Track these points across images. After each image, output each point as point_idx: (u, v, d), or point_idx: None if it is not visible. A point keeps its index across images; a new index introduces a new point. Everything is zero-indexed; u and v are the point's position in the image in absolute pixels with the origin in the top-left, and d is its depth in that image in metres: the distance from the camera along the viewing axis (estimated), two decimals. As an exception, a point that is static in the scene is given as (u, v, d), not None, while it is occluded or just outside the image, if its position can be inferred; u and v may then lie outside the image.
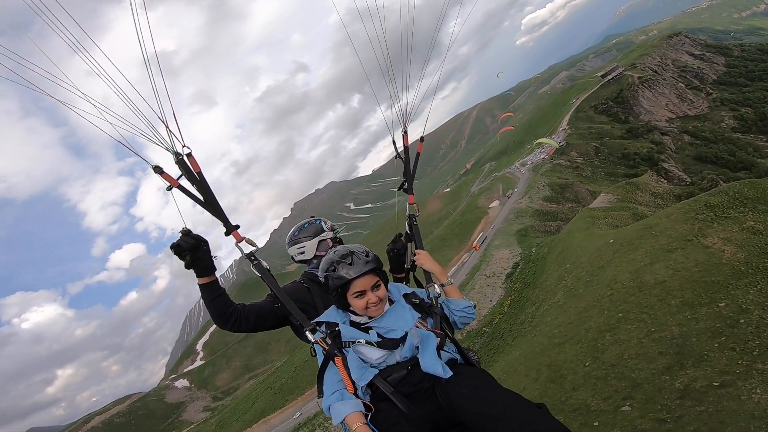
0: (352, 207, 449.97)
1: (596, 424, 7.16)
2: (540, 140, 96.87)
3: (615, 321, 11.15)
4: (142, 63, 1.95)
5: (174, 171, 2.19)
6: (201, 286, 2.33)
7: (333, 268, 2.18)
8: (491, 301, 52.55)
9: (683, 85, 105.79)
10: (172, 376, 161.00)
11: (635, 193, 60.45)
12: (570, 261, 27.29)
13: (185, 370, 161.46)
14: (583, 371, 9.26)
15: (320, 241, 2.90)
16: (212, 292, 2.36)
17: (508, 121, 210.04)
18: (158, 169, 2.12)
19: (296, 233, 2.97)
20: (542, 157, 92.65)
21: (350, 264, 2.16)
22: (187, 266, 2.22)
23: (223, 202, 2.45)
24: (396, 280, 3.01)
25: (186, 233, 2.21)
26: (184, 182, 2.25)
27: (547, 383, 9.97)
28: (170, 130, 2.09)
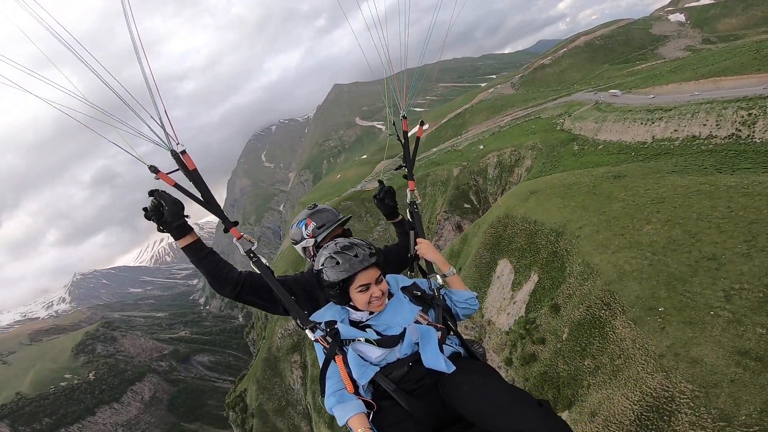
0: None
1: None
2: None
3: None
4: (131, 60, 1.99)
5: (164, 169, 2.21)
6: (183, 248, 2.27)
7: (336, 261, 2.08)
8: None
9: None
10: (669, 8, 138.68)
11: None
12: None
13: (686, 6, 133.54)
14: None
15: (303, 249, 2.83)
16: (196, 253, 2.27)
17: None
18: (154, 169, 2.08)
19: (291, 234, 2.90)
20: None
21: (355, 256, 2.07)
22: (160, 228, 2.16)
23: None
24: (396, 226, 2.97)
25: (151, 193, 2.13)
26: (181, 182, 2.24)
27: None
28: (165, 130, 2.08)
